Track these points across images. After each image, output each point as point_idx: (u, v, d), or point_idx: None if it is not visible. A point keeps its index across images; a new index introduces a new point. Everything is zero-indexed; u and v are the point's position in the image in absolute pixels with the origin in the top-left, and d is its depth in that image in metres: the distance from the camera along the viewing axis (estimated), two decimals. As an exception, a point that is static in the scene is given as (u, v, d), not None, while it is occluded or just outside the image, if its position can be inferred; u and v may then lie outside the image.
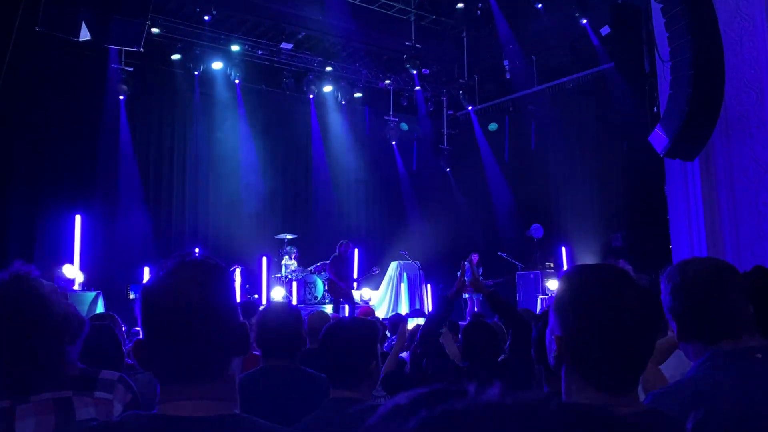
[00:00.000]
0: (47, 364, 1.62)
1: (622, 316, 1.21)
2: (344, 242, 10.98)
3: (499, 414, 0.40)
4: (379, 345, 2.23)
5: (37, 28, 8.09)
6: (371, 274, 12.00)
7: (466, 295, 11.37)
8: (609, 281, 1.26)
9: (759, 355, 1.58)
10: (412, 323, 6.17)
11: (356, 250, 13.11)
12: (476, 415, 0.40)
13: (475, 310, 10.68)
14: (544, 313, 2.60)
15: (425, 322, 3.86)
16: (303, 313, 3.01)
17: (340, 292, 10.68)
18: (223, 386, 1.17)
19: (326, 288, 11.35)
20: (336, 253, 10.93)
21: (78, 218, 9.75)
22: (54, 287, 1.82)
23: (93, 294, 8.52)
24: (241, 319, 1.19)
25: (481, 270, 11.85)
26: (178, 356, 1.13)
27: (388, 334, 5.95)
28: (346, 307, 10.50)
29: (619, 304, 1.22)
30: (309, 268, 11.77)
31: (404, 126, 14.31)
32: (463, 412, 0.40)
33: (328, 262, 10.94)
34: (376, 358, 2.13)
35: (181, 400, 1.13)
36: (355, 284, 11.34)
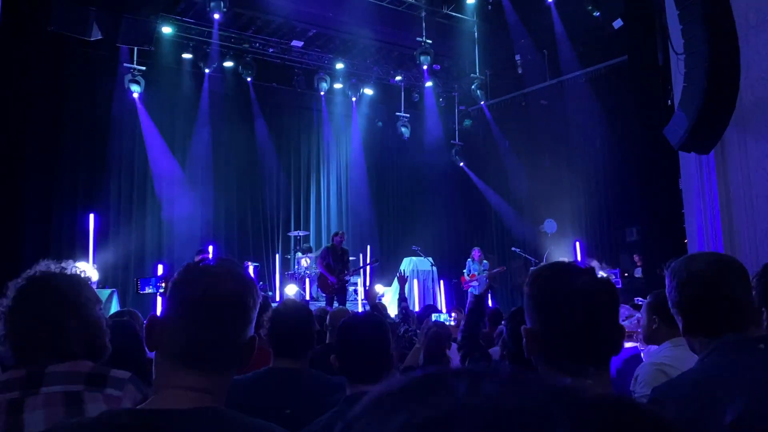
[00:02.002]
0: (59, 340, 1.68)
1: (573, 304, 1.29)
2: (339, 233, 10.14)
3: (490, 419, 0.34)
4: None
5: (49, 29, 8.16)
6: (372, 264, 11.60)
7: (471, 289, 11.38)
8: (561, 273, 1.34)
9: (762, 346, 1.58)
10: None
11: (368, 247, 13.10)
12: (463, 421, 0.34)
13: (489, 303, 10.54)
14: (516, 312, 2.64)
15: (465, 323, 3.79)
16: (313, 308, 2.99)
17: (329, 287, 9.67)
18: (218, 381, 1.18)
19: (317, 283, 10.20)
20: (329, 244, 10.13)
21: (92, 217, 9.82)
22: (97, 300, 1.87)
23: (108, 291, 8.58)
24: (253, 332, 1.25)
25: (487, 264, 11.85)
26: (198, 336, 1.15)
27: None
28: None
29: (569, 292, 1.30)
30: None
31: (406, 126, 14.17)
32: (447, 418, 0.34)
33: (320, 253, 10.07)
34: (391, 352, 2.12)
35: (174, 388, 1.13)
36: (347, 280, 9.95)
